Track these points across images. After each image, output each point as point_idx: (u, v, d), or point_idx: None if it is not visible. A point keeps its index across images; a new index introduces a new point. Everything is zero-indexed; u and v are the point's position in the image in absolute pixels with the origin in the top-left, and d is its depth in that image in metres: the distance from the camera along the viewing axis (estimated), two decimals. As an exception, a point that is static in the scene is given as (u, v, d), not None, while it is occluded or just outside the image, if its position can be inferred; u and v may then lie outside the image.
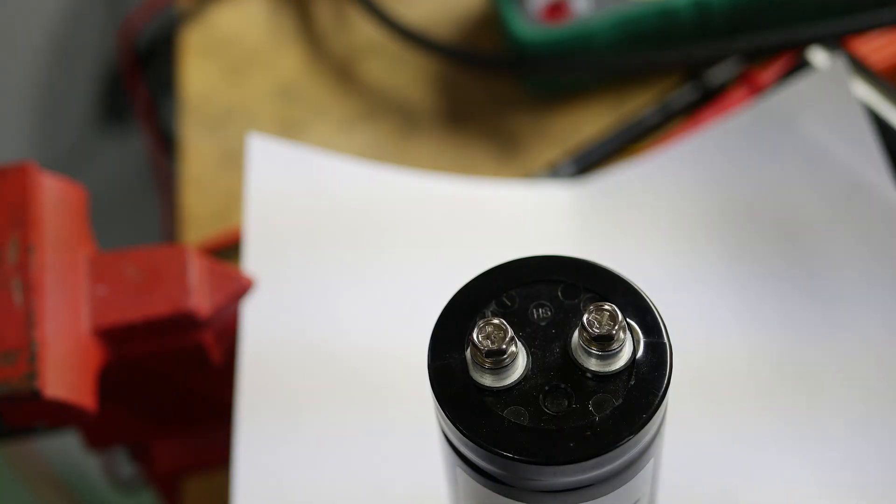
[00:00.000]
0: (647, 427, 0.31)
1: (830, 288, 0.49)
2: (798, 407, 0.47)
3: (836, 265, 0.50)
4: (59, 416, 0.44)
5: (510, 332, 0.31)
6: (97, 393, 0.45)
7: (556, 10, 0.58)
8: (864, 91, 0.52)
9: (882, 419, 0.46)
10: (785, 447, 0.46)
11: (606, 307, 0.31)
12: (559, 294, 0.33)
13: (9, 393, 0.42)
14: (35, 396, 0.42)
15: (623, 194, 0.54)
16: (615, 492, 0.33)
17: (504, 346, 0.31)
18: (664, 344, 0.32)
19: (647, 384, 0.32)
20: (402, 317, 0.50)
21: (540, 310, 0.33)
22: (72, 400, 0.43)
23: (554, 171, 0.56)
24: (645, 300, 0.33)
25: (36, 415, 0.44)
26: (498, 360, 0.31)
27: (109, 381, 0.47)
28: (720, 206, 0.53)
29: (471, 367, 0.32)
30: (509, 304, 0.33)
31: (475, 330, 0.31)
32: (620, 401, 0.31)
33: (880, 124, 0.52)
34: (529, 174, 0.58)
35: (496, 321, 0.31)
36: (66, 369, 0.43)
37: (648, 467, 0.34)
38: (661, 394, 0.32)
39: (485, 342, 0.31)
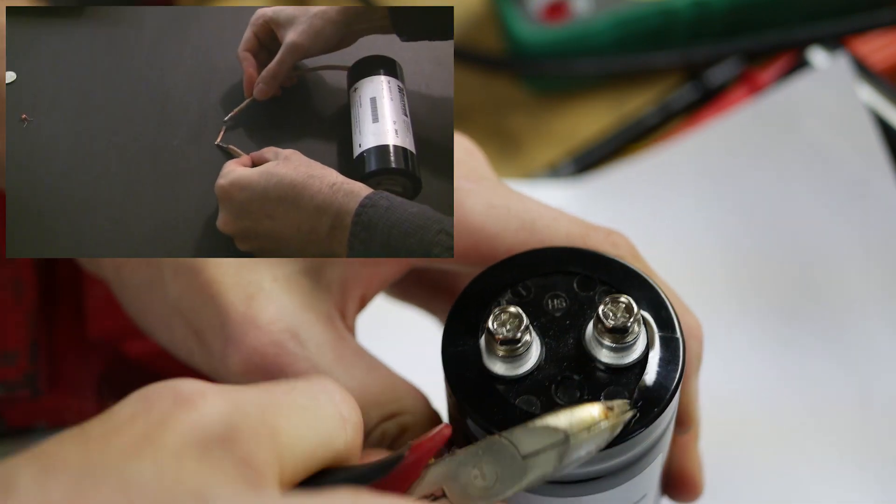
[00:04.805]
0: (657, 422, 0.31)
1: (830, 286, 0.49)
2: (801, 412, 0.47)
3: (837, 264, 0.50)
4: (59, 416, 0.44)
5: (525, 321, 0.31)
6: (97, 393, 0.45)
7: (556, 10, 0.58)
8: (864, 91, 0.53)
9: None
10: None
11: (622, 299, 0.31)
12: (575, 286, 0.33)
13: (9, 393, 0.42)
14: (35, 396, 0.42)
15: (623, 194, 0.54)
16: (624, 485, 0.33)
17: (519, 335, 0.31)
18: (678, 339, 0.32)
19: (659, 379, 0.31)
20: (404, 318, 0.49)
21: (555, 300, 0.33)
22: (72, 400, 0.43)
23: (554, 171, 0.56)
24: (660, 295, 0.33)
25: (36, 415, 0.43)
26: (512, 348, 0.31)
27: (109, 381, 0.46)
28: (720, 206, 0.53)
29: (485, 355, 0.32)
30: (525, 293, 0.33)
31: (490, 317, 0.31)
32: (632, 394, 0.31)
33: (881, 124, 0.52)
34: (529, 174, 0.57)
35: (512, 309, 0.31)
36: (66, 369, 0.43)
37: (657, 461, 0.34)
38: (672, 389, 0.31)
39: (500, 329, 0.31)
